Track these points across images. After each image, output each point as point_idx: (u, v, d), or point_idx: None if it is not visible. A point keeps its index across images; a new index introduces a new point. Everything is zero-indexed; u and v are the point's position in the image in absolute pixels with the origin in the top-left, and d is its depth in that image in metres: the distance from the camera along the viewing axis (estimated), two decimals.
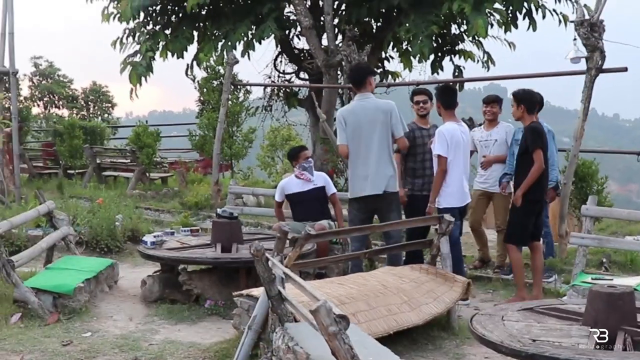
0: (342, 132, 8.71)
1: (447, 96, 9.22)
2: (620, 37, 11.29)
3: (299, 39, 21.73)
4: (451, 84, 10.70)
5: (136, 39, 20.92)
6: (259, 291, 6.22)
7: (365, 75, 8.91)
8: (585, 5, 10.74)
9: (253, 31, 19.90)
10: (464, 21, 18.86)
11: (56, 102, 35.40)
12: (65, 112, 34.24)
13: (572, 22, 11.03)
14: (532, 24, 19.56)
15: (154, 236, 9.58)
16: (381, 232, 9.24)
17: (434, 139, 9.03)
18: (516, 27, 19.65)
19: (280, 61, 22.63)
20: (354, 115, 8.68)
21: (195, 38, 20.99)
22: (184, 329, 7.91)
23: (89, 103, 34.27)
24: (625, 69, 10.70)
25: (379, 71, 21.59)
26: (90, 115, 33.52)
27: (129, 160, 20.01)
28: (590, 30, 10.22)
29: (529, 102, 8.82)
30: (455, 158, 8.87)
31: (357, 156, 8.65)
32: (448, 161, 8.80)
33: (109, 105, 34.49)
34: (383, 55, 21.88)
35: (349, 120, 8.66)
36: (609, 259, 10.54)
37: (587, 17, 10.32)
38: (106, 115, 34.22)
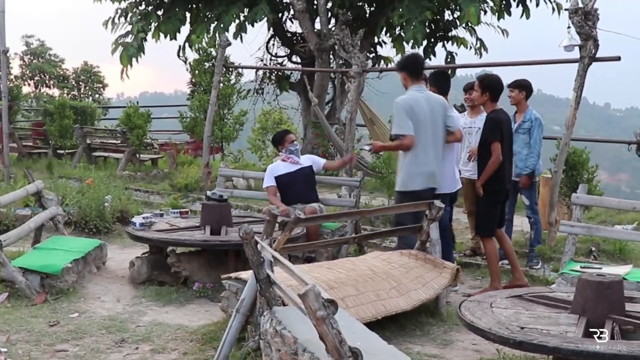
0: (408, 121, 8.20)
1: (441, 81, 9.15)
2: (614, 26, 11.26)
3: (292, 22, 21.78)
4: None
5: (128, 19, 20.91)
6: (247, 274, 6.20)
7: (423, 66, 8.79)
8: None
9: (246, 13, 19.91)
10: (457, 8, 18.84)
11: (47, 81, 35.32)
12: (56, 92, 34.16)
13: (566, 10, 11.01)
14: (526, 11, 19.63)
15: (143, 217, 9.54)
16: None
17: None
18: (509, 14, 19.68)
19: (273, 44, 22.66)
20: (419, 106, 8.29)
21: (188, 19, 20.97)
22: (172, 311, 7.89)
23: (80, 83, 34.17)
24: (618, 58, 10.68)
25: (371, 56, 21.58)
26: (81, 95, 33.43)
27: (119, 141, 19.94)
28: (584, 19, 10.18)
29: (493, 89, 8.67)
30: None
31: (425, 150, 8.30)
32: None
33: (100, 85, 34.41)
34: (376, 40, 21.87)
35: (416, 111, 8.25)
36: (598, 247, 10.56)
37: (581, 5, 10.29)
38: (97, 95, 34.12)
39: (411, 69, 8.55)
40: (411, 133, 8.15)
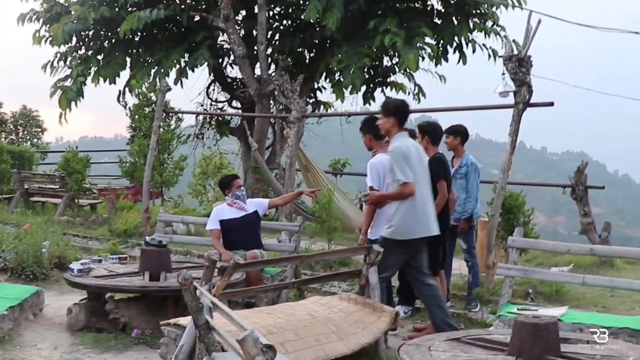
0: (407, 169, 8.03)
1: (377, 128, 9.19)
2: (548, 72, 11.53)
3: (232, 67, 21.88)
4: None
5: (67, 63, 20.81)
6: (186, 320, 6.18)
7: (408, 113, 8.58)
8: (514, 41, 10.95)
9: (186, 59, 19.96)
10: (396, 54, 19.11)
11: None
12: None
13: (500, 57, 11.24)
14: (463, 57, 19.96)
15: (81, 263, 9.46)
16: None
17: (368, 172, 8.95)
18: (447, 60, 19.99)
19: (213, 89, 22.73)
20: (411, 153, 8.17)
21: (128, 64, 20.92)
22: (110, 358, 7.81)
23: (18, 127, 33.71)
24: (551, 104, 10.94)
25: (310, 101, 21.76)
26: (19, 139, 32.97)
27: (57, 186, 19.73)
28: (519, 66, 10.43)
29: (433, 134, 9.04)
30: (388, 189, 8.67)
31: (424, 195, 8.22)
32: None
33: (39, 129, 33.98)
34: (315, 85, 22.05)
35: (410, 159, 8.11)
36: (535, 289, 10.69)
37: (515, 52, 10.53)
38: (35, 140, 33.70)
39: (401, 116, 8.32)
40: (411, 180, 7.97)
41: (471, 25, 19.28)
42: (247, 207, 10.40)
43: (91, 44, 21.01)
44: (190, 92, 23.46)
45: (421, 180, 8.15)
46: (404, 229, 8.04)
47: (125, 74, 21.05)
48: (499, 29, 19.93)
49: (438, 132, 9.14)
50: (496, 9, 19.44)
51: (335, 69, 19.34)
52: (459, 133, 10.28)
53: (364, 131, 9.24)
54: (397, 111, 8.29)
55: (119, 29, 19.03)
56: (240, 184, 10.71)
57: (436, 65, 20.26)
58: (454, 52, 19.91)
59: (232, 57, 20.86)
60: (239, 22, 20.79)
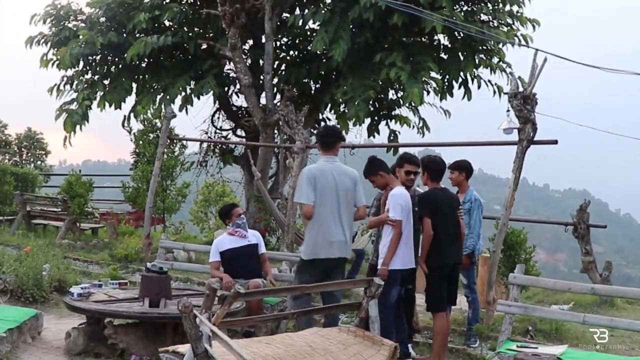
0: (311, 191, 8.49)
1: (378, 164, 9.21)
2: (552, 110, 11.56)
3: (238, 96, 21.95)
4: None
5: (74, 87, 20.89)
6: (185, 348, 6.16)
7: (337, 139, 8.95)
8: (519, 78, 11.01)
9: (192, 86, 20.04)
10: (401, 88, 19.17)
11: None
12: None
13: (506, 93, 11.28)
14: (468, 93, 20.00)
15: (81, 288, 9.46)
16: (320, 293, 9.14)
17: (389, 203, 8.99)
18: (452, 95, 20.04)
19: (218, 117, 22.77)
20: (325, 177, 8.57)
21: (134, 90, 21.00)
22: None
23: (23, 149, 33.82)
24: (555, 142, 10.94)
25: (315, 132, 21.82)
26: (23, 161, 33.06)
27: (59, 209, 19.73)
28: (523, 103, 10.45)
29: (433, 170, 9.01)
30: (407, 221, 8.87)
31: (326, 219, 8.54)
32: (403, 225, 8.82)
33: (43, 152, 34.09)
34: (320, 116, 22.10)
35: (319, 181, 8.53)
36: (535, 327, 10.67)
37: (520, 89, 10.57)
38: (39, 162, 33.79)
39: (322, 140, 8.96)
40: (311, 202, 8.46)
41: (477, 61, 19.33)
42: (248, 235, 10.41)
43: (98, 68, 21.09)
44: (195, 119, 23.53)
45: (330, 203, 8.53)
46: (311, 249, 8.62)
47: (131, 99, 21.13)
48: (504, 65, 19.97)
49: (439, 167, 9.07)
50: (502, 45, 19.50)
51: (340, 100, 19.41)
52: (464, 169, 10.30)
53: (373, 173, 9.24)
54: (320, 138, 9.11)
55: (126, 55, 19.11)
56: (240, 212, 10.72)
57: (441, 99, 20.31)
58: (459, 87, 19.95)
59: (238, 86, 20.94)
60: (246, 51, 20.88)
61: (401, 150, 19.75)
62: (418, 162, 9.47)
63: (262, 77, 19.33)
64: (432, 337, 9.33)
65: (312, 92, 21.42)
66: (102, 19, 20.64)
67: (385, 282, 8.37)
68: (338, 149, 9.03)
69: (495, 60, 19.91)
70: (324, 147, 8.90)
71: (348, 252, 8.83)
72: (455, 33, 18.22)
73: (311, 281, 8.48)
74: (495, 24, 18.80)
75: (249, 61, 20.57)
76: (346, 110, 19.22)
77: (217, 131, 23.01)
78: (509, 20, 18.95)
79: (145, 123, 21.50)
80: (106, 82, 20.89)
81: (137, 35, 19.74)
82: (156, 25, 20.03)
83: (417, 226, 8.88)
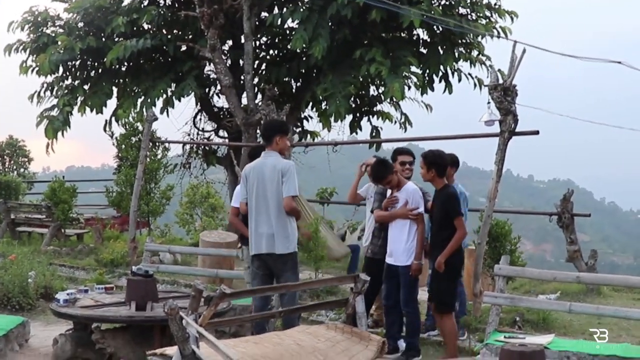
0: (244, 189, 8.87)
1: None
2: (533, 101, 11.59)
3: (219, 97, 21.89)
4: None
5: (54, 93, 20.81)
6: (173, 350, 6.16)
7: (273, 133, 8.96)
8: (499, 70, 11.03)
9: (173, 88, 19.99)
10: (382, 83, 19.19)
11: None
12: None
13: (486, 86, 11.31)
14: (448, 87, 20.04)
15: (67, 294, 9.42)
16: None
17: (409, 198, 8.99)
18: (432, 89, 20.08)
19: (200, 119, 22.71)
20: (255, 172, 8.78)
21: (115, 94, 20.94)
22: None
23: (5, 157, 33.68)
24: (537, 132, 11.00)
25: (297, 130, 21.78)
26: (6, 169, 32.93)
27: (44, 216, 19.66)
28: (504, 95, 10.49)
29: (440, 166, 8.79)
30: None
31: (257, 214, 8.72)
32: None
33: (25, 159, 33.96)
34: (302, 114, 22.09)
35: (250, 178, 8.77)
36: (522, 317, 10.71)
37: (500, 81, 10.60)
38: (22, 169, 33.66)
39: (261, 134, 9.51)
40: (242, 200, 8.97)
41: (457, 54, 19.36)
42: None
43: (78, 73, 21.00)
44: (177, 121, 23.41)
45: (257, 199, 8.75)
46: (250, 244, 8.96)
47: (112, 104, 21.04)
48: (484, 58, 20.02)
49: (445, 162, 8.96)
50: (481, 38, 19.54)
51: (321, 97, 19.40)
52: (452, 163, 10.30)
53: (390, 172, 9.25)
54: (261, 132, 9.81)
55: (105, 59, 19.06)
56: None
57: (422, 94, 20.35)
58: (440, 81, 19.98)
59: (218, 87, 20.90)
60: (226, 52, 20.84)
61: (384, 146, 19.86)
62: (410, 151, 9.62)
63: (242, 77, 19.30)
64: (443, 339, 9.35)
65: (293, 90, 21.40)
66: (81, 24, 20.52)
67: (413, 278, 8.50)
68: (280, 143, 8.96)
69: (475, 53, 19.94)
70: (263, 140, 9.16)
71: (279, 246, 8.75)
72: (434, 27, 18.25)
73: (258, 274, 8.91)
74: (474, 17, 18.83)
75: (229, 62, 20.52)
76: (327, 108, 19.21)
77: (200, 133, 22.95)
78: (487, 13, 18.98)
79: (127, 127, 21.45)
80: (86, 87, 20.81)
81: (116, 39, 19.68)
82: (135, 28, 19.96)
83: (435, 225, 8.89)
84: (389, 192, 9.61)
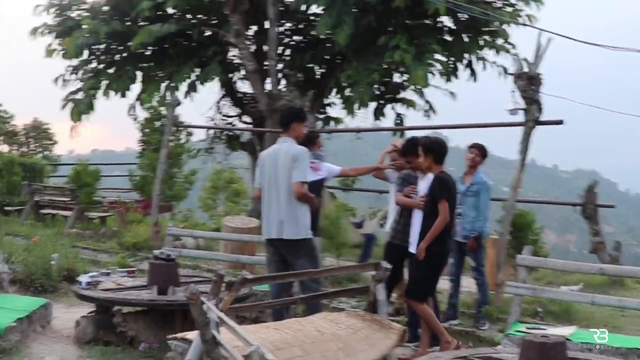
0: (258, 175, 8.84)
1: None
2: (555, 89, 11.49)
3: (243, 82, 21.91)
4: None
5: (79, 76, 20.90)
6: (193, 334, 6.17)
7: (290, 119, 8.87)
8: (524, 58, 10.97)
9: (197, 73, 20.03)
10: (406, 70, 19.14)
11: None
12: (5, 148, 33.85)
13: (511, 74, 11.23)
14: (473, 74, 19.97)
15: (90, 276, 9.46)
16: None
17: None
18: (457, 77, 20.00)
19: (224, 104, 22.75)
20: (269, 158, 8.75)
21: (139, 78, 21.01)
22: None
23: (30, 139, 33.87)
24: (560, 122, 10.91)
25: (321, 116, 21.79)
26: (31, 151, 33.12)
27: (68, 199, 19.75)
28: (529, 83, 10.42)
29: (437, 152, 8.50)
30: None
31: (269, 199, 8.68)
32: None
33: (50, 142, 34.14)
34: (326, 101, 22.07)
35: (265, 163, 8.75)
36: (545, 308, 10.65)
37: (525, 70, 10.53)
38: (47, 152, 33.85)
39: (279, 121, 9.30)
40: (257, 185, 8.88)
41: (481, 42, 19.29)
42: (322, 171, 10.19)
43: (102, 57, 21.11)
44: (201, 106, 23.53)
45: (269, 184, 8.70)
46: (262, 229, 8.91)
47: (136, 88, 21.15)
48: (509, 46, 19.91)
49: (442, 150, 8.60)
50: (507, 26, 19.44)
51: (345, 84, 19.37)
52: (483, 152, 10.22)
53: (411, 153, 9.17)
54: (278, 119, 9.59)
55: (130, 43, 19.11)
56: (322, 145, 10.60)
57: (446, 82, 20.28)
58: (464, 69, 19.92)
59: (242, 72, 20.94)
60: (250, 37, 20.86)
61: (407, 134, 19.81)
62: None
63: (266, 63, 19.32)
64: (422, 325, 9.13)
65: (317, 76, 21.39)
66: (105, 8, 20.62)
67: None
68: (296, 129, 8.86)
69: (500, 41, 19.83)
70: (281, 126, 9.07)
71: (288, 232, 8.60)
72: (459, 15, 18.17)
73: (272, 260, 8.80)
74: (499, 5, 18.74)
75: (253, 47, 20.55)
76: (351, 94, 19.19)
77: (223, 118, 23.01)
78: (513, 1, 18.88)
79: (151, 111, 21.52)
80: (111, 70, 20.93)
81: (141, 23, 19.73)
82: (159, 13, 20.02)
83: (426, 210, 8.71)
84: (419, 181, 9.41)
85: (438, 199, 8.27)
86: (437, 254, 8.38)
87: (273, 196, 8.63)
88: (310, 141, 10.04)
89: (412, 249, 8.74)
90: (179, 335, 6.83)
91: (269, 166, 8.67)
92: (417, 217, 8.78)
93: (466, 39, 19.11)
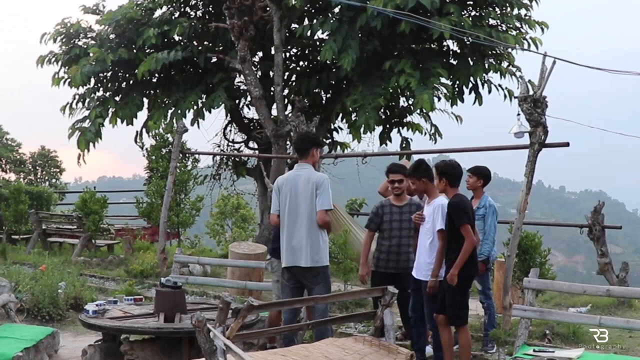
0: (276, 201, 8.82)
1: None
2: (562, 112, 11.53)
3: (249, 108, 22.00)
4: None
5: (86, 104, 20.98)
6: None
7: (310, 145, 8.91)
8: (529, 81, 10.98)
9: (203, 100, 20.10)
10: (411, 95, 19.15)
11: (3, 165, 35.10)
12: (12, 176, 33.97)
13: (516, 97, 11.24)
14: (478, 98, 19.97)
15: (96, 305, 9.48)
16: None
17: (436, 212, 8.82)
18: (462, 101, 20.01)
19: (230, 130, 22.81)
20: (287, 184, 8.75)
21: (145, 105, 21.08)
22: None
23: (37, 168, 33.98)
24: (567, 144, 10.93)
25: (327, 142, 21.83)
26: (38, 180, 33.22)
27: (75, 227, 19.79)
28: (534, 106, 10.44)
29: (451, 175, 8.51)
30: None
31: (288, 226, 8.67)
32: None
33: (57, 170, 34.24)
34: (332, 126, 22.11)
35: (283, 190, 8.74)
36: (552, 330, 10.62)
37: (530, 93, 10.55)
38: (54, 180, 33.94)
39: (295, 147, 9.51)
40: (275, 211, 8.85)
41: (487, 65, 19.28)
42: None
43: (109, 85, 21.19)
44: (207, 133, 23.58)
45: (289, 211, 8.70)
46: (282, 256, 8.83)
47: (142, 115, 21.20)
48: (514, 69, 19.92)
49: (457, 172, 8.60)
50: (512, 50, 19.46)
51: (351, 109, 19.41)
52: (483, 176, 10.19)
53: (416, 176, 9.12)
54: (294, 145, 9.24)
55: (136, 71, 19.19)
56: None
57: (452, 105, 20.28)
58: (470, 92, 19.93)
59: (248, 98, 20.98)
60: (256, 63, 20.93)
61: (414, 158, 19.82)
62: (401, 170, 9.66)
63: (272, 89, 19.35)
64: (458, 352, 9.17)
65: (323, 102, 21.44)
66: (112, 36, 20.74)
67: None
68: (314, 155, 8.97)
69: (505, 64, 19.85)
70: (297, 153, 9.07)
71: (308, 259, 8.64)
72: (464, 38, 18.21)
73: (286, 287, 8.80)
74: (504, 28, 18.77)
75: (259, 73, 20.61)
76: (357, 119, 19.22)
77: (230, 144, 23.04)
78: (517, 24, 18.92)
79: (157, 138, 21.56)
80: (117, 98, 20.99)
81: (147, 50, 19.81)
82: (165, 40, 20.12)
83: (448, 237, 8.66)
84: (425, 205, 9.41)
85: (459, 225, 8.29)
86: (468, 276, 8.44)
87: (294, 223, 8.63)
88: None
89: (417, 274, 8.76)
90: None
91: (288, 192, 8.67)
92: (421, 242, 8.79)
93: (471, 63, 19.13)
